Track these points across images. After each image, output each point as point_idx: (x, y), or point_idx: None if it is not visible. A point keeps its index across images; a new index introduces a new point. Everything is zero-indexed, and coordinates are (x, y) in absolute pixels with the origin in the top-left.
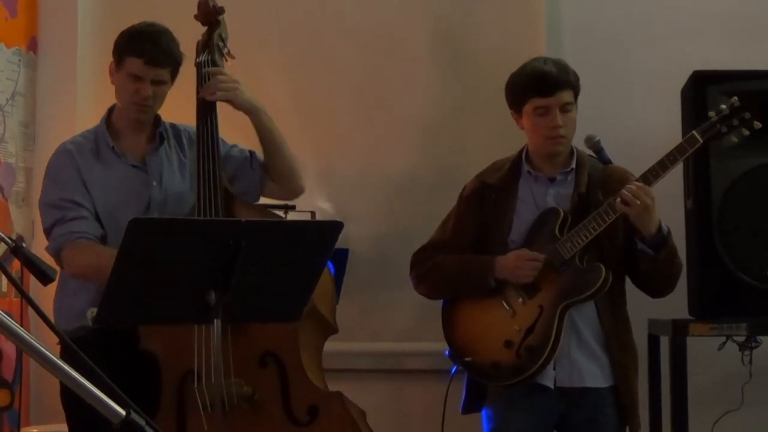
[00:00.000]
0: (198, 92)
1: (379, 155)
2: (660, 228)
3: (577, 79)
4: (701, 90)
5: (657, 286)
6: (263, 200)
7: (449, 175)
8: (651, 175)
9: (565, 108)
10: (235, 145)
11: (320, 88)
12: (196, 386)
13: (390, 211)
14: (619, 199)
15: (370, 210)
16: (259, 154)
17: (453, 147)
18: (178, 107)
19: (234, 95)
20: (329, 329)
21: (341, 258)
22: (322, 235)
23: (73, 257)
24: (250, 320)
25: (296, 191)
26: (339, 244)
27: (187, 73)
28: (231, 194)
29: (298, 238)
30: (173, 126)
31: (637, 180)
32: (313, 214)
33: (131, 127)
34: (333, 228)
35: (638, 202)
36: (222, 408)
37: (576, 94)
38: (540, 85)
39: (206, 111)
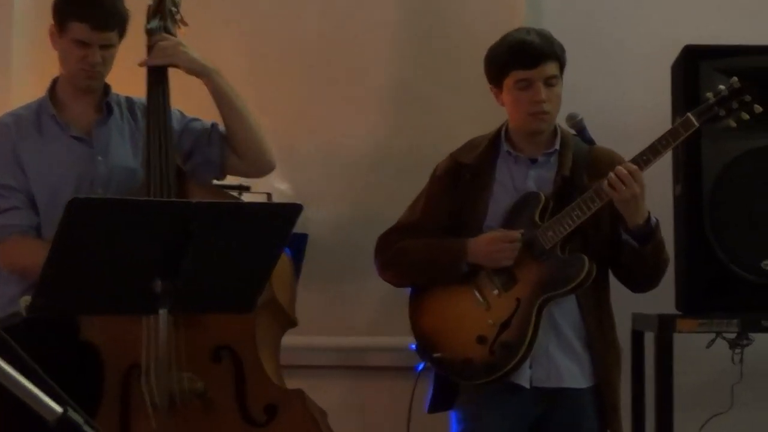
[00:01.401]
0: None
1: (342, 132)
2: (648, 219)
3: (563, 50)
4: (693, 66)
5: (639, 281)
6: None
7: (419, 154)
8: (641, 161)
9: (549, 82)
10: (196, 119)
11: (279, 59)
12: (143, 382)
13: (353, 192)
14: (606, 182)
15: (332, 191)
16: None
17: (424, 124)
18: (126, 76)
19: (176, 57)
20: (288, 322)
21: (299, 244)
22: (280, 219)
23: (6, 255)
24: (199, 310)
25: (263, 167)
26: (297, 228)
27: (138, 40)
28: (183, 172)
29: (253, 222)
30: (128, 99)
31: (629, 162)
32: (269, 195)
33: (77, 96)
34: (291, 211)
35: (624, 188)
36: (171, 405)
37: (562, 67)
38: (522, 57)
39: (155, 79)
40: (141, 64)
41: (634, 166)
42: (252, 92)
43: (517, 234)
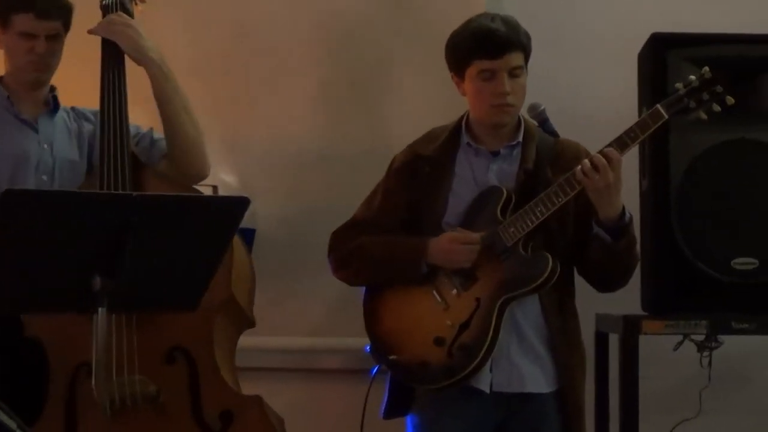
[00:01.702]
0: (103, 41)
1: (292, 122)
2: (623, 213)
3: (529, 39)
4: (661, 55)
5: (609, 279)
6: None
7: (375, 145)
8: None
9: (514, 72)
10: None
11: (225, 49)
12: (93, 383)
13: (303, 186)
14: (579, 169)
15: (281, 185)
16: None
17: (380, 113)
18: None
19: (119, 35)
20: (246, 322)
21: (247, 239)
22: (226, 213)
23: None
24: (140, 309)
25: (194, 175)
26: (244, 223)
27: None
28: (140, 162)
29: (198, 216)
30: (73, 108)
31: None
32: (215, 188)
33: (24, 92)
34: (238, 204)
35: (598, 176)
36: (122, 409)
37: (527, 57)
38: (486, 45)
39: (108, 54)
40: (89, 32)
41: (616, 153)
42: (197, 82)
43: (476, 236)
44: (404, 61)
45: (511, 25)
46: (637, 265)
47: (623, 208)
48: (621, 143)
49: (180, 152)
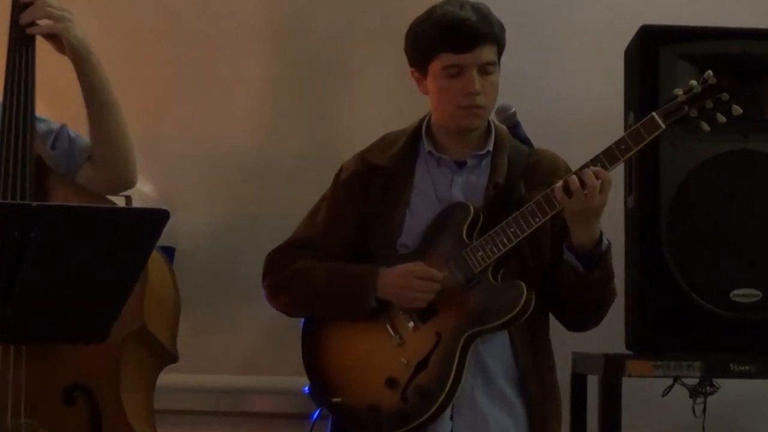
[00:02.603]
0: (13, 21)
1: (221, 125)
2: (600, 240)
3: (503, 30)
4: (651, 51)
5: (578, 316)
6: None
7: (321, 152)
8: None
9: (485, 69)
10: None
11: (146, 33)
12: None
13: (233, 198)
14: (560, 184)
15: (207, 196)
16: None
17: (324, 115)
18: None
19: (65, 28)
20: (166, 357)
21: None
22: (141, 228)
23: None
24: (37, 341)
25: (120, 185)
26: (162, 240)
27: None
28: (46, 166)
29: (108, 231)
30: None
31: (590, 163)
32: (128, 199)
33: None
34: (156, 218)
35: (584, 197)
36: None
37: (500, 52)
38: (454, 37)
39: (22, 42)
40: (19, 26)
41: (607, 175)
42: (116, 77)
43: (438, 274)
44: (361, 56)
45: (482, 13)
46: (613, 301)
47: (601, 234)
48: (610, 157)
49: (112, 155)
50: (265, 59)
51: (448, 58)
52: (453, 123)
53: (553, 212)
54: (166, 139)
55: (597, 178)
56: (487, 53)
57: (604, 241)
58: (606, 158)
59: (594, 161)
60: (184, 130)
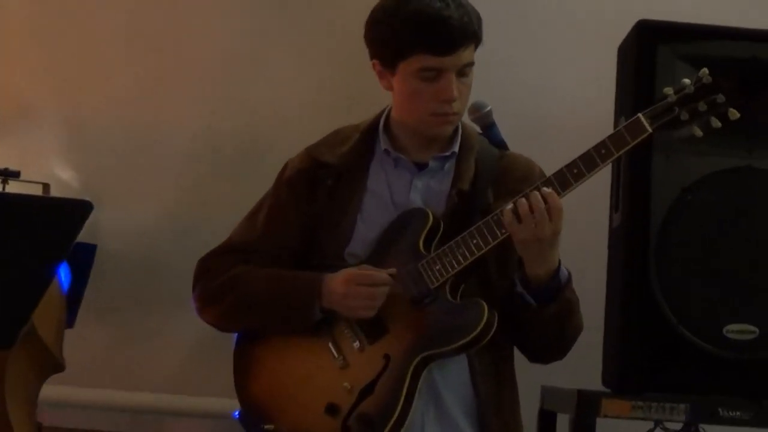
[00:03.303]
0: None
1: (154, 109)
2: (557, 271)
3: (481, 22)
4: (648, 49)
5: (536, 350)
6: None
7: (261, 144)
8: (569, 175)
9: (463, 71)
10: None
11: (71, 10)
12: None
13: (165, 192)
14: (510, 206)
15: (136, 189)
16: None
17: (268, 102)
18: None
19: None
20: (52, 364)
21: (84, 257)
22: (59, 221)
23: None
24: None
25: None
26: (82, 236)
27: None
28: None
29: (20, 223)
30: None
31: (547, 181)
32: (46, 186)
33: None
34: (77, 210)
35: (533, 224)
36: None
37: (476, 47)
38: (434, 38)
39: None
40: None
41: (556, 200)
42: (36, 50)
43: (385, 275)
44: (305, 41)
45: (463, 9)
46: (578, 335)
47: (559, 264)
48: (587, 162)
49: None
50: (204, 45)
51: (424, 60)
52: (424, 128)
53: (499, 238)
54: (91, 123)
55: (545, 201)
56: (468, 54)
57: (563, 271)
58: (583, 163)
59: (571, 166)
60: (110, 115)
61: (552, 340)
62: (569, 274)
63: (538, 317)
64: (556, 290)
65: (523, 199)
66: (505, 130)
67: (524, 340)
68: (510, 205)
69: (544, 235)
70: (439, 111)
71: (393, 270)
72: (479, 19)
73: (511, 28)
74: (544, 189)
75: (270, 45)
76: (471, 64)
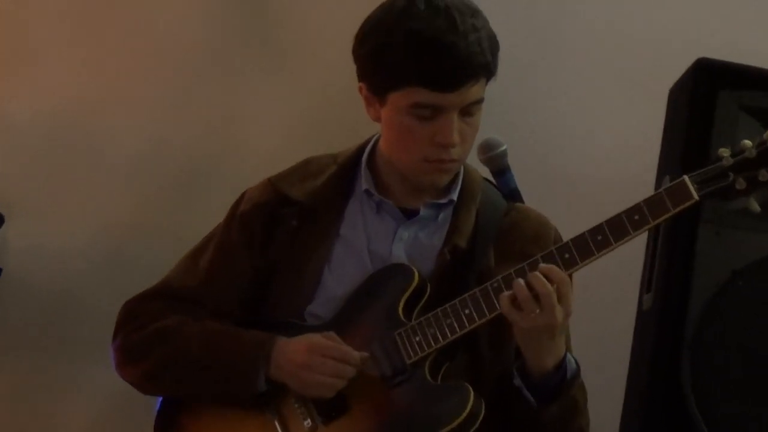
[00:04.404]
0: None
1: (92, 111)
2: (563, 361)
3: (497, 49)
4: (707, 96)
5: None
6: None
7: (216, 164)
8: (592, 243)
9: (469, 110)
10: None
11: None
12: None
13: (95, 210)
14: (508, 293)
15: (57, 203)
16: None
17: (230, 117)
18: None
19: None
20: None
21: None
22: None
23: None
24: None
25: None
26: None
27: None
28: None
29: None
30: None
31: (563, 247)
32: None
33: None
34: None
35: (537, 309)
36: None
37: (489, 79)
38: (435, 69)
39: None
40: None
41: (562, 275)
42: None
43: (354, 354)
44: (279, 41)
45: (476, 32)
46: None
47: (565, 354)
48: (616, 229)
49: None
50: (163, 38)
51: (420, 94)
52: (413, 175)
53: (492, 315)
54: (9, 115)
55: (550, 281)
56: (476, 91)
57: (570, 362)
58: (611, 230)
59: (594, 232)
60: (37, 106)
61: None
62: (577, 365)
63: (537, 418)
64: (561, 386)
65: (522, 282)
66: (520, 178)
67: None
68: (509, 292)
69: (550, 323)
70: (434, 157)
71: (366, 354)
72: (495, 45)
73: (539, 56)
74: (543, 266)
75: (238, 51)
76: (479, 101)
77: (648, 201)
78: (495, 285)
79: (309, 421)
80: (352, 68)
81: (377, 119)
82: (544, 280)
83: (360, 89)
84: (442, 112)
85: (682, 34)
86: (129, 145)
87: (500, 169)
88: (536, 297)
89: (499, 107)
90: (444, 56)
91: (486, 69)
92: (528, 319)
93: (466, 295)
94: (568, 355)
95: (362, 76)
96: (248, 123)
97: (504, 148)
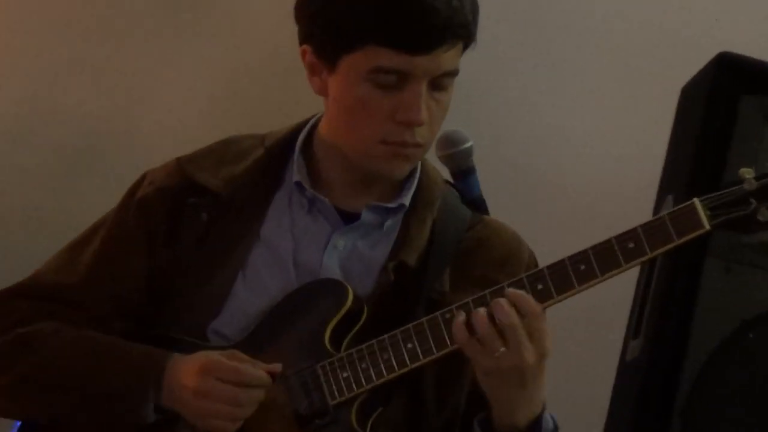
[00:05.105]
0: None
1: None
2: (539, 419)
3: (477, 14)
4: (728, 99)
5: None
6: None
7: (105, 143)
8: (572, 272)
9: (440, 82)
10: None
11: None
12: None
13: None
14: (462, 317)
15: None
16: None
17: (139, 73)
18: None
19: None
20: None
21: None
22: None
23: None
24: None
25: None
26: None
27: None
28: None
29: None
30: None
31: (536, 275)
32: None
33: None
34: None
35: (502, 347)
36: None
37: (465, 49)
38: (405, 24)
39: None
40: None
41: (533, 305)
42: None
43: (262, 373)
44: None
45: None
46: None
47: (543, 404)
48: (605, 259)
49: None
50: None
51: (383, 57)
52: (365, 162)
53: (445, 350)
54: None
55: (518, 311)
56: (451, 57)
57: (546, 422)
58: (598, 259)
59: (577, 259)
60: None
61: None
62: (555, 425)
63: None
64: None
65: (482, 311)
66: (489, 184)
67: None
68: (462, 316)
69: (517, 364)
70: (393, 138)
71: (277, 366)
72: (476, 7)
73: (537, 50)
74: (512, 291)
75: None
76: (454, 73)
77: (647, 226)
78: (447, 316)
79: None
80: (292, 27)
81: (322, 92)
82: (510, 309)
83: (302, 53)
84: (409, 80)
85: (699, 23)
86: (2, 110)
87: (463, 170)
88: (500, 331)
89: (465, 92)
90: (416, 9)
91: (466, 31)
92: (489, 357)
93: (410, 325)
94: (545, 412)
95: (306, 36)
96: (157, 91)
97: (469, 144)
